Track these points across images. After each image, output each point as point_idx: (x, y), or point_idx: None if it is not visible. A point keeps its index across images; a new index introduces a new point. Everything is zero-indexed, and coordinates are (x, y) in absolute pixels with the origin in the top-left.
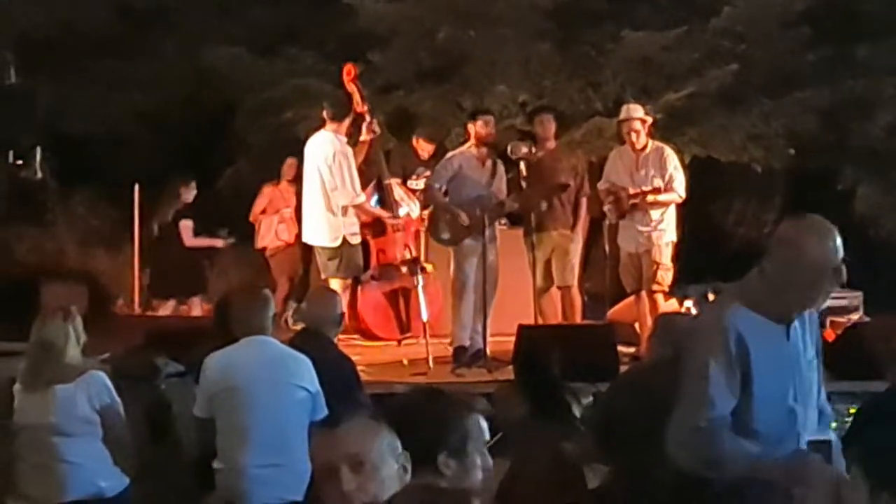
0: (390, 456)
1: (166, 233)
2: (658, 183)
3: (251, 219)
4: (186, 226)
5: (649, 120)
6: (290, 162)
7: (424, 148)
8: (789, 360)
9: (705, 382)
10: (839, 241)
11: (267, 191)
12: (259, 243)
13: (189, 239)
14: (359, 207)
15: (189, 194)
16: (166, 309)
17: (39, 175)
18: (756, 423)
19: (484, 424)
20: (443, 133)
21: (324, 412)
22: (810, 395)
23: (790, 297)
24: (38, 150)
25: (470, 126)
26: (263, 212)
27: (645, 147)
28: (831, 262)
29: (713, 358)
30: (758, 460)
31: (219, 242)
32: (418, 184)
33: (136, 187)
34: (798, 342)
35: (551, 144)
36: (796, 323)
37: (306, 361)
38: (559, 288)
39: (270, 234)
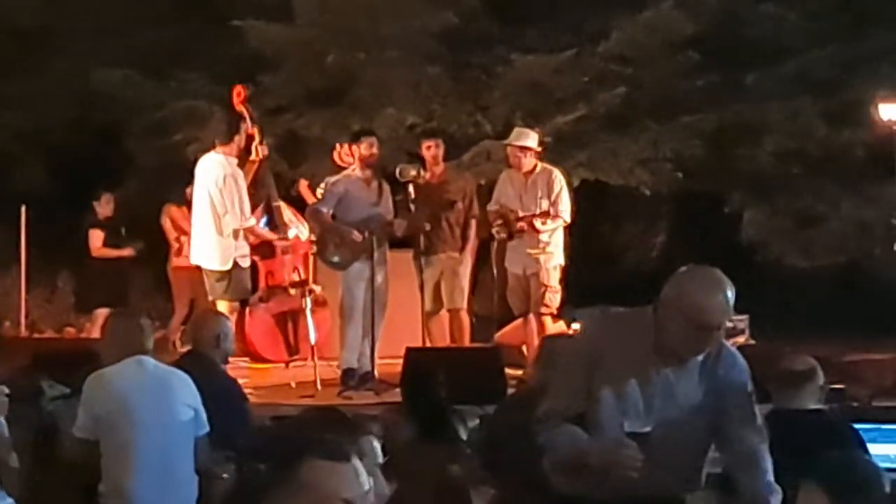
0: None
1: (85, 248)
2: (545, 205)
3: (174, 240)
4: (95, 234)
5: (534, 149)
6: None
7: (351, 153)
8: (650, 392)
9: (551, 384)
10: (726, 299)
11: (173, 211)
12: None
13: (96, 248)
14: (249, 231)
15: (105, 208)
16: (95, 324)
17: None
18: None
19: (377, 446)
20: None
21: (205, 429)
22: (678, 440)
23: (667, 339)
24: None
25: (354, 148)
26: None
27: (534, 170)
28: (705, 319)
29: (564, 366)
30: (579, 447)
31: (125, 252)
32: None
33: (24, 208)
34: (676, 384)
35: (439, 168)
36: (689, 367)
37: (187, 379)
38: (448, 310)
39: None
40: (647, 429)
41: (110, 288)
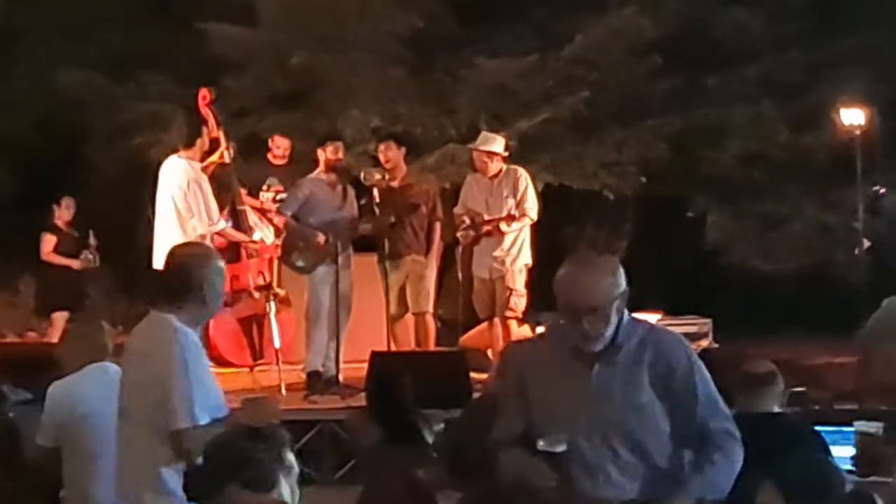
0: None
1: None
2: (511, 204)
3: None
4: (47, 239)
5: (501, 154)
6: None
7: (280, 145)
8: (583, 393)
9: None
10: (596, 280)
11: None
12: None
13: (46, 253)
14: (219, 233)
15: (64, 213)
16: (55, 328)
17: None
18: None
19: (290, 458)
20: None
21: None
22: (636, 438)
23: (568, 330)
24: None
25: (319, 152)
26: None
27: (499, 173)
28: (570, 299)
29: (496, 386)
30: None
31: (75, 264)
32: (269, 196)
33: None
34: (613, 381)
35: (402, 170)
36: (620, 361)
37: None
38: (413, 314)
39: None
40: (562, 448)
41: (69, 292)
